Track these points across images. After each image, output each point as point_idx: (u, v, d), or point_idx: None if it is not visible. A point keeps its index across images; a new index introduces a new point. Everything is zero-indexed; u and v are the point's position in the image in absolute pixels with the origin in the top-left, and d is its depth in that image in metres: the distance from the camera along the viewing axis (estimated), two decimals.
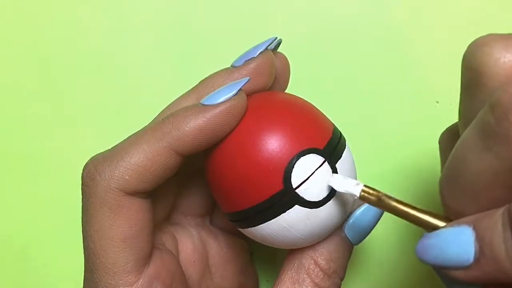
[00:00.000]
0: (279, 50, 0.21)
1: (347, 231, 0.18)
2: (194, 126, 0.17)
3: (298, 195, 0.16)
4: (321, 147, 0.17)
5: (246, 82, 0.18)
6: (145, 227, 0.17)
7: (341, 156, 0.17)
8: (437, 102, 0.26)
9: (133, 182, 0.17)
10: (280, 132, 0.17)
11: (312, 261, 0.18)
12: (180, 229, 0.21)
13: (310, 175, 0.17)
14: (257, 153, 0.17)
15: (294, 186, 0.16)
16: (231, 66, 0.19)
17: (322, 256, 0.18)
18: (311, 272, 0.18)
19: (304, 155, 0.17)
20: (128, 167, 0.17)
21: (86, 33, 0.27)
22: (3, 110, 0.27)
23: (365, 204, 0.18)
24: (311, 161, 0.17)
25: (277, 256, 0.25)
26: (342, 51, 0.27)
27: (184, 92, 0.19)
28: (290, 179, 0.16)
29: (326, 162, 0.17)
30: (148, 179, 0.17)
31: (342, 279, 0.19)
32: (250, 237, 0.18)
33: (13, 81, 0.27)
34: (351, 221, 0.18)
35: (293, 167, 0.16)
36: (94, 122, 0.27)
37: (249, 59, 0.18)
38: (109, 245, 0.17)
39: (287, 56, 0.21)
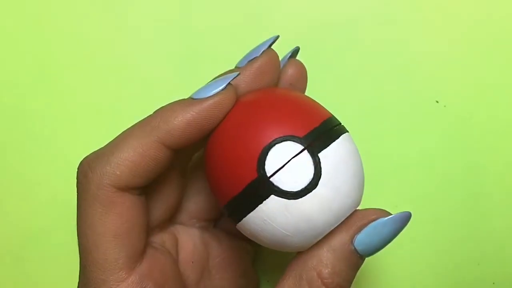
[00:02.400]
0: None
1: (358, 244, 0.17)
2: (182, 119, 0.17)
3: (273, 183, 0.16)
4: (300, 134, 0.16)
5: (235, 77, 0.18)
6: (137, 224, 0.17)
7: (327, 146, 0.16)
8: (437, 101, 0.26)
9: (124, 177, 0.17)
10: (257, 120, 0.17)
11: (315, 272, 0.17)
12: (182, 229, 0.21)
13: (286, 163, 0.16)
14: (234, 142, 0.17)
15: (268, 175, 0.16)
16: (236, 67, 0.19)
17: (326, 269, 0.17)
18: (313, 284, 0.17)
19: (280, 142, 0.16)
20: (119, 162, 0.17)
21: (87, 32, 0.27)
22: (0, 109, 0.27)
23: (381, 218, 0.17)
24: (288, 148, 0.16)
25: (279, 257, 0.25)
26: (342, 50, 0.27)
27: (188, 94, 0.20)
28: (264, 167, 0.16)
29: (305, 151, 0.16)
30: (139, 174, 0.17)
31: None
32: (244, 234, 0.18)
33: (12, 79, 0.27)
34: (363, 234, 0.17)
35: (267, 154, 0.16)
36: (92, 122, 0.27)
37: (252, 59, 0.19)
38: (101, 241, 0.17)
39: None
